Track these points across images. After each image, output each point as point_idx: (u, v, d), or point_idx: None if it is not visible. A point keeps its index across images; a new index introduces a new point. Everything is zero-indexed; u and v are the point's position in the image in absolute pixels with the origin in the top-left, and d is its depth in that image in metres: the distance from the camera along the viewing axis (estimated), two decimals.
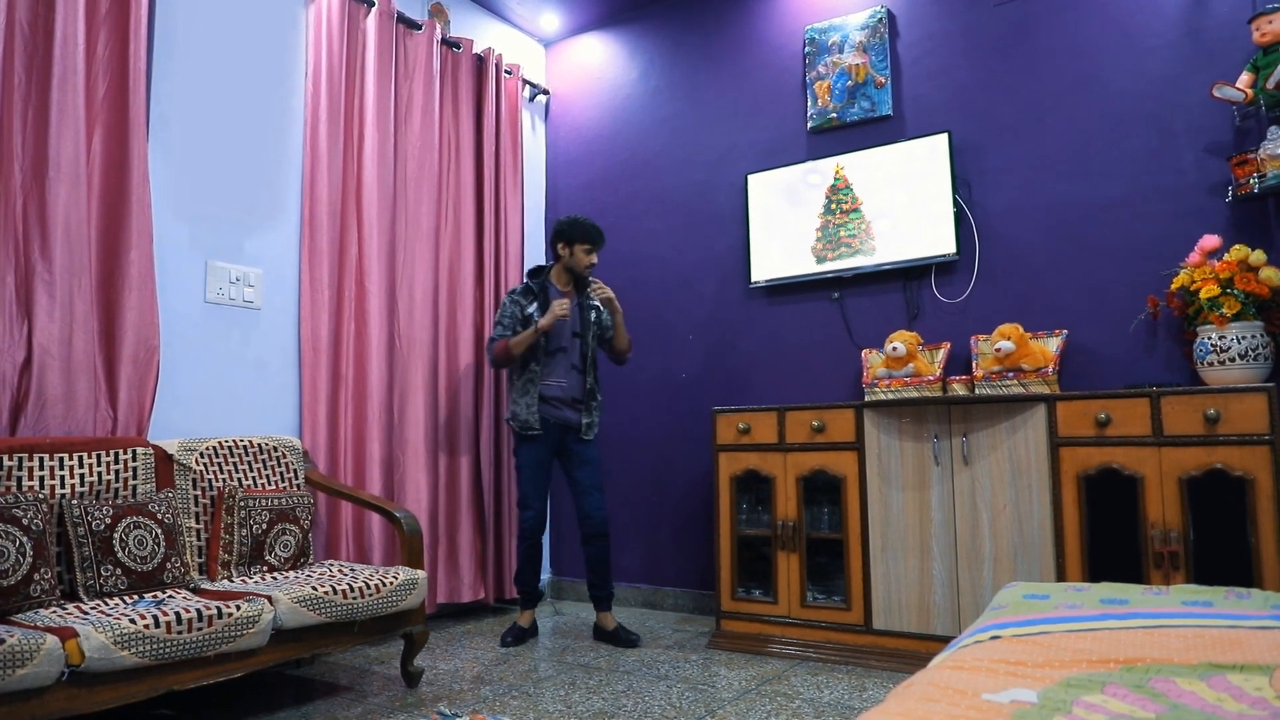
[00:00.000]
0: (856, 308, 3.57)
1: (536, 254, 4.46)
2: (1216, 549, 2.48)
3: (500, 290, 4.05)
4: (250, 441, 2.83)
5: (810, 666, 2.93)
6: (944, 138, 3.32)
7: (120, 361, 2.62)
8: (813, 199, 3.64)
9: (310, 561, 2.80)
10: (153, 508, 2.37)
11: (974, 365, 3.09)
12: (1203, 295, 2.64)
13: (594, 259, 3.41)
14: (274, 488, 2.80)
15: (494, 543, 3.91)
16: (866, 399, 3.12)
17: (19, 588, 1.99)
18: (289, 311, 3.24)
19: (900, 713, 1.03)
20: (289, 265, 3.25)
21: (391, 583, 2.51)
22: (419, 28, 3.78)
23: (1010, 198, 3.26)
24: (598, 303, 3.44)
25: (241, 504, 2.62)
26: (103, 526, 2.22)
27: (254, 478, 2.77)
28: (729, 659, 3.05)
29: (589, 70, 4.49)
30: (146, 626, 1.91)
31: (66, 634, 1.79)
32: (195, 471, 2.64)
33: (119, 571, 2.22)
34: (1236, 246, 2.67)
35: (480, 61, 4.13)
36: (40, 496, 2.15)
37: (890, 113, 3.53)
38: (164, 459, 2.59)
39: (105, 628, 1.85)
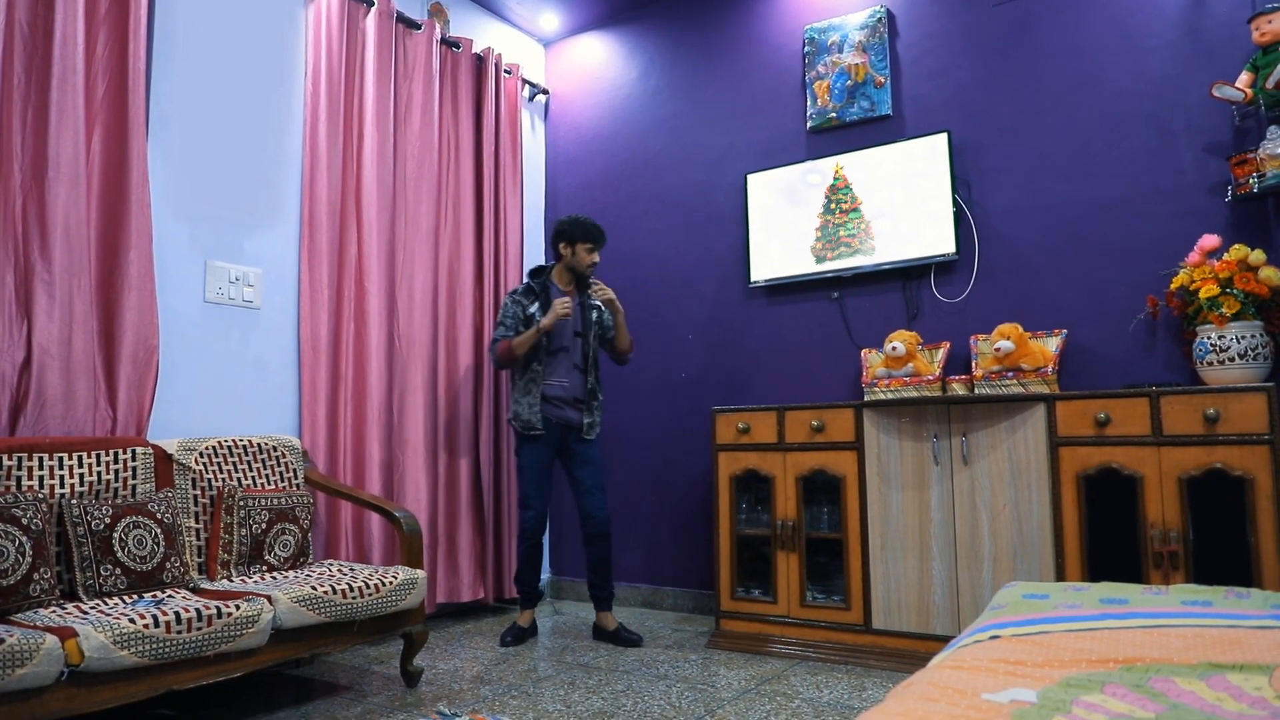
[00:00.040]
0: (856, 307, 3.57)
1: (536, 254, 4.46)
2: (1216, 549, 2.48)
3: (500, 290, 4.05)
4: (250, 441, 2.83)
5: (810, 666, 2.93)
6: (943, 137, 3.32)
7: (120, 361, 2.62)
8: (812, 199, 3.64)
9: (310, 561, 2.80)
10: (152, 507, 2.37)
11: (973, 365, 3.10)
12: (1202, 295, 2.64)
13: (596, 258, 3.42)
14: (273, 487, 2.80)
15: (493, 542, 3.90)
16: (866, 399, 3.12)
17: (18, 587, 1.99)
18: (288, 311, 3.24)
19: (900, 712, 1.03)
20: (288, 265, 3.25)
21: (391, 582, 2.51)
22: (418, 27, 3.78)
23: (1010, 197, 3.27)
24: (599, 302, 3.44)
25: (241, 504, 2.62)
26: (102, 526, 2.22)
27: (253, 477, 2.77)
28: (728, 659, 3.05)
29: (588, 70, 4.49)
30: (146, 626, 1.91)
31: (66, 634, 1.79)
32: (195, 471, 2.64)
33: (118, 571, 2.22)
34: (1236, 246, 2.68)
35: (480, 61, 4.12)
36: (40, 496, 2.15)
37: (890, 112, 3.53)
38: (163, 459, 2.58)
39: (105, 627, 1.85)
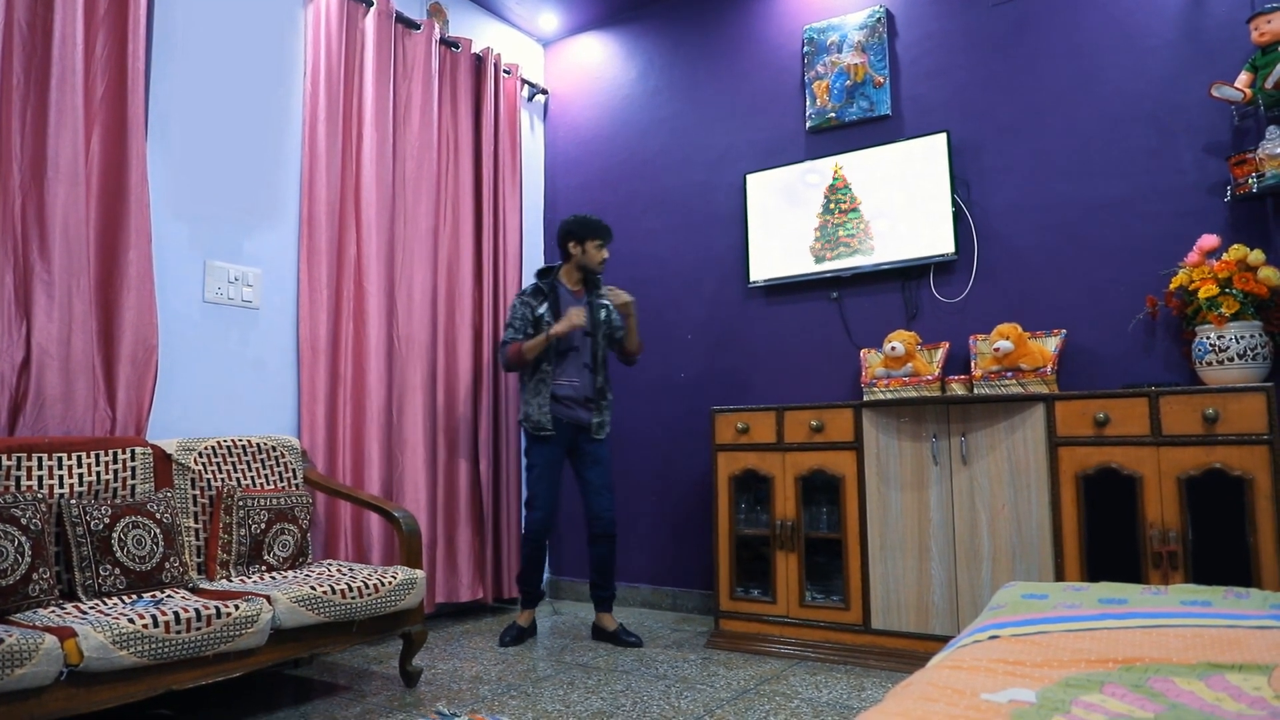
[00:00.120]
0: (855, 307, 3.57)
1: (535, 254, 4.46)
2: (1215, 549, 2.48)
3: (499, 290, 4.05)
4: (249, 441, 2.83)
5: (809, 666, 2.93)
6: (943, 137, 3.32)
7: (119, 361, 2.62)
8: (811, 199, 3.64)
9: (309, 561, 2.80)
10: (151, 507, 2.37)
11: (973, 365, 3.10)
12: (1201, 295, 2.65)
13: (606, 254, 3.42)
14: (272, 487, 2.80)
15: (492, 542, 3.90)
16: (865, 399, 3.12)
17: (17, 587, 1.99)
18: (287, 311, 3.24)
19: (899, 712, 1.03)
20: (287, 265, 3.25)
21: (390, 582, 2.51)
22: (417, 27, 3.78)
23: (1009, 197, 3.27)
24: (607, 301, 3.43)
25: (240, 504, 2.62)
26: (101, 526, 2.22)
27: (252, 477, 2.77)
28: (727, 658, 3.05)
29: (588, 70, 4.49)
30: (145, 626, 1.91)
31: (65, 633, 1.79)
32: (194, 471, 2.64)
33: (117, 571, 2.22)
34: (1235, 246, 2.68)
35: (479, 61, 4.12)
36: (39, 496, 2.14)
37: (889, 112, 3.53)
38: (162, 459, 2.58)
39: (104, 627, 1.85)
